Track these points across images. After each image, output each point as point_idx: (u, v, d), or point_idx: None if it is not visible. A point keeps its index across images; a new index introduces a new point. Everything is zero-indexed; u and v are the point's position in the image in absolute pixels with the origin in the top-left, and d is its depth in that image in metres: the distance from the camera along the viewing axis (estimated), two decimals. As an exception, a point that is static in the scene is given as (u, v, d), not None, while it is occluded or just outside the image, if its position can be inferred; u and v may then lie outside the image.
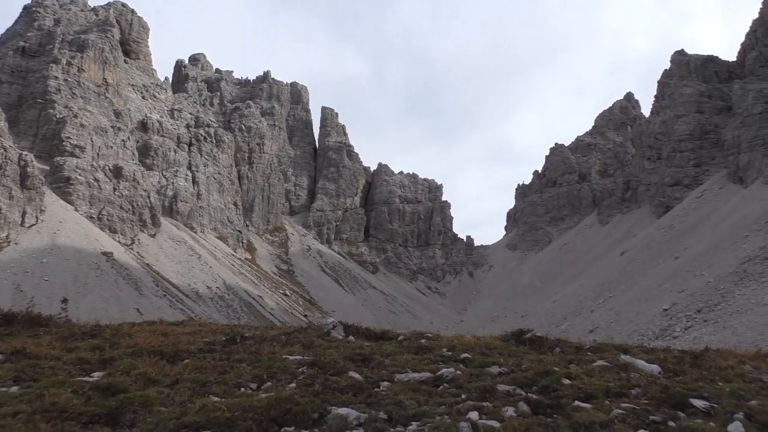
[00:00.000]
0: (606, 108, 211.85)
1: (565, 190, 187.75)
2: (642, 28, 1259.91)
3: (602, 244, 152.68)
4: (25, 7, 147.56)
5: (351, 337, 15.64)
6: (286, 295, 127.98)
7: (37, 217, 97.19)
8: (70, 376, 9.34)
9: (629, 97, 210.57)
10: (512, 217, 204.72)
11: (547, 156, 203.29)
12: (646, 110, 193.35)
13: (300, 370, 10.55)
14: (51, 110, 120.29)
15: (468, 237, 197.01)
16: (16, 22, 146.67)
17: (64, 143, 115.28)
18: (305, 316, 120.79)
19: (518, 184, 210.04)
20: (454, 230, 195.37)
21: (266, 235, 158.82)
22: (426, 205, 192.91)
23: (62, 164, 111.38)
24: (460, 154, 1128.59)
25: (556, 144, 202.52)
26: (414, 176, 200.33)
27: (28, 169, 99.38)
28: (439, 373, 10.57)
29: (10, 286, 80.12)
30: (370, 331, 16.56)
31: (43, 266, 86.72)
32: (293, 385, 9.50)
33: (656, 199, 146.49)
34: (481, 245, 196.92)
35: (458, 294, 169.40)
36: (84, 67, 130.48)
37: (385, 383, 9.94)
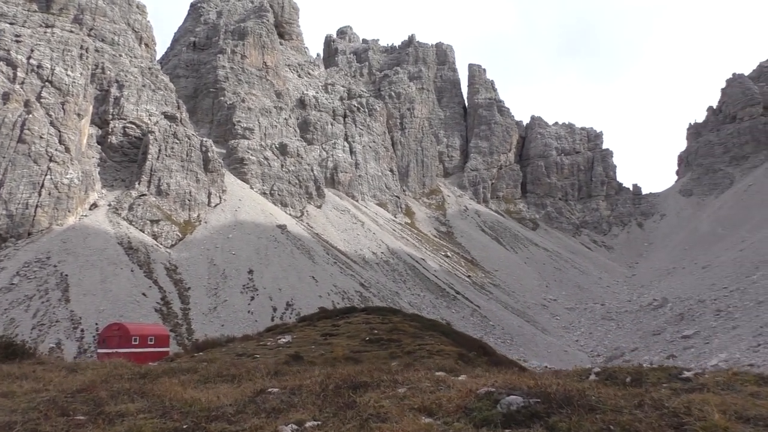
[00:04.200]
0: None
1: (748, 125, 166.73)
2: None
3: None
4: (192, 5, 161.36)
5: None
6: (447, 256, 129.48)
7: (220, 197, 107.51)
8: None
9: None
10: (684, 159, 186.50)
11: (723, 89, 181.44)
12: None
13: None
14: (222, 97, 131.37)
15: (634, 185, 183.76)
16: (185, 19, 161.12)
17: (235, 127, 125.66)
18: (468, 276, 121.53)
19: (690, 123, 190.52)
20: (618, 179, 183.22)
21: (423, 198, 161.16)
22: (585, 156, 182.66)
23: (236, 146, 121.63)
24: (621, 96, 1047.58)
25: (734, 74, 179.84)
26: (570, 126, 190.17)
27: (209, 154, 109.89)
28: None
29: (204, 261, 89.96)
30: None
31: (230, 241, 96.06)
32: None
33: None
34: (650, 193, 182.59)
35: (627, 247, 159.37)
36: (246, 53, 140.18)
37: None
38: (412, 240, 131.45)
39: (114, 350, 36.45)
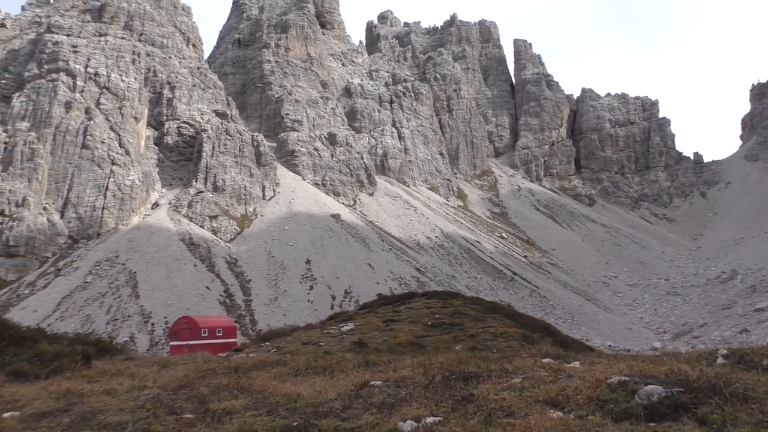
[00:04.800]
0: None
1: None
2: None
3: None
4: (234, 2, 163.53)
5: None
6: (502, 237, 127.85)
7: (274, 190, 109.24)
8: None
9: None
10: (749, 122, 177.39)
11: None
12: None
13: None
14: (269, 92, 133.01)
15: (695, 153, 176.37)
16: (229, 17, 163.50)
17: (284, 120, 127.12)
18: (525, 256, 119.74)
19: (753, 84, 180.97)
20: (677, 148, 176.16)
21: (474, 180, 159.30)
22: (641, 126, 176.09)
23: (286, 139, 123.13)
24: (677, 62, 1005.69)
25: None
26: (624, 96, 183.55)
27: (261, 148, 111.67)
28: None
29: (263, 253, 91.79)
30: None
31: (286, 233, 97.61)
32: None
33: None
34: (713, 161, 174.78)
35: (690, 218, 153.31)
36: (289, 46, 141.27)
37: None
38: (466, 223, 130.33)
39: (185, 342, 37.67)
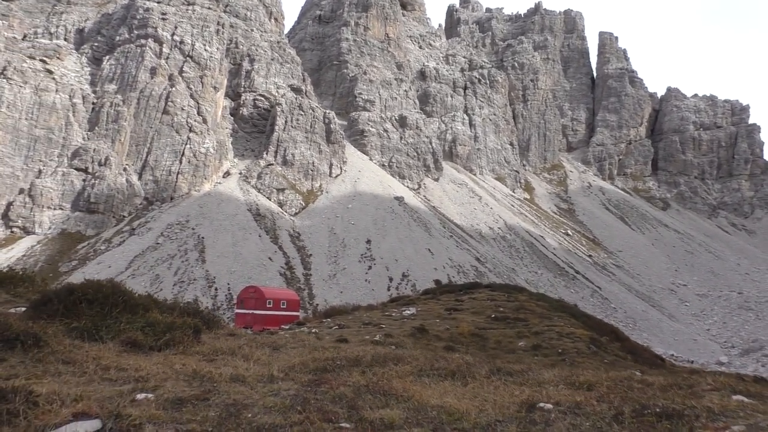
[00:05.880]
0: None
1: None
2: None
3: None
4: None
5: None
6: (567, 234, 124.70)
7: (341, 168, 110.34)
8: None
9: None
10: None
11: None
12: None
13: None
14: (345, 70, 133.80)
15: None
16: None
17: (356, 99, 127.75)
18: (589, 256, 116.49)
19: None
20: (765, 158, 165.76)
21: (543, 173, 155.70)
22: (728, 131, 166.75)
23: (357, 118, 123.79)
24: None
25: None
26: (712, 98, 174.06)
27: (332, 126, 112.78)
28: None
29: (325, 230, 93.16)
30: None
31: (349, 211, 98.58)
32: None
33: None
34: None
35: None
36: (369, 25, 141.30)
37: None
38: (531, 216, 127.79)
39: (250, 311, 38.77)
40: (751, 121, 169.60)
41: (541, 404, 5.47)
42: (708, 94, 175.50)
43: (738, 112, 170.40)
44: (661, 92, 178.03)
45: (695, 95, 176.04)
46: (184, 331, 9.75)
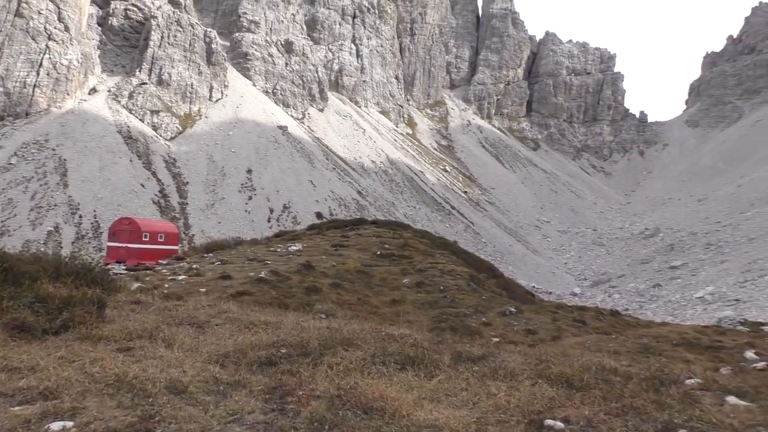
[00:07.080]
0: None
1: (765, 58, 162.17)
2: None
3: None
4: None
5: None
6: (446, 170, 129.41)
7: (222, 92, 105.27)
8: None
9: None
10: (696, 89, 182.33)
11: (747, 17, 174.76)
12: None
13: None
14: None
15: (641, 112, 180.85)
16: None
17: (240, 19, 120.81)
18: (465, 192, 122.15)
19: (707, 52, 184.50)
20: (625, 105, 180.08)
21: (426, 109, 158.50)
22: (596, 77, 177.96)
23: (240, 40, 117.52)
24: (640, 18, 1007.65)
25: (760, 2, 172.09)
26: (584, 45, 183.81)
27: (213, 46, 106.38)
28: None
29: (204, 157, 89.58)
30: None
31: (230, 138, 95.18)
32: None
33: None
34: (656, 121, 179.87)
35: (626, 174, 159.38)
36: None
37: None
38: (412, 151, 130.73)
39: (124, 245, 36.77)
40: (616, 69, 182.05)
41: (549, 421, 4.52)
42: (581, 41, 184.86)
43: (606, 60, 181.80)
44: (540, 35, 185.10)
45: (570, 41, 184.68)
46: (85, 308, 7.50)
